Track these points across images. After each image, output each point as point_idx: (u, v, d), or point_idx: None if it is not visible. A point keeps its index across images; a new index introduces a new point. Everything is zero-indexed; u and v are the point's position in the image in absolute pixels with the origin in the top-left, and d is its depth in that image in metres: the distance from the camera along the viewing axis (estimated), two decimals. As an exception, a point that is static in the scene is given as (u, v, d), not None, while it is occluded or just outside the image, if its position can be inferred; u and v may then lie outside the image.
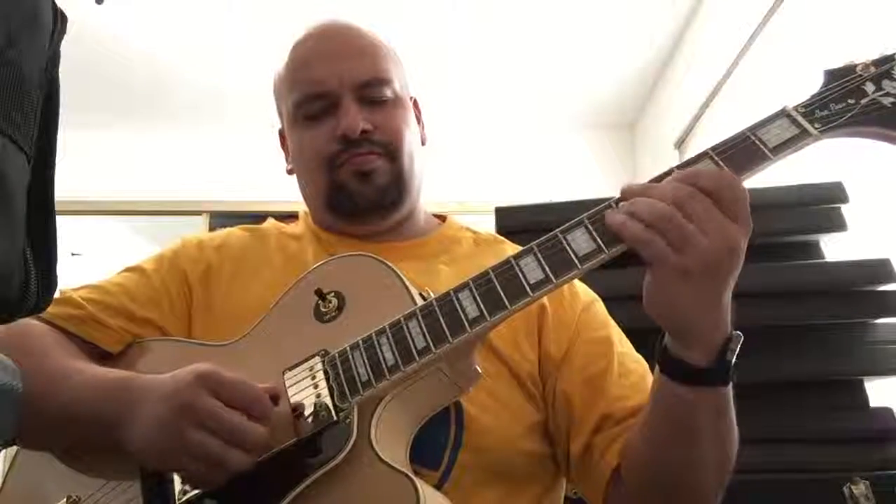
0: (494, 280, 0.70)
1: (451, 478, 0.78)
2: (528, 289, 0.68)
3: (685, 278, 0.64)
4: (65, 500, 0.80)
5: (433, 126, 1.06)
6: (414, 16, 3.03)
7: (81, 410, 0.76)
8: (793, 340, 1.36)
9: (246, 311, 0.86)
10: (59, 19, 0.45)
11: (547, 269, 0.68)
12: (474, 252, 0.98)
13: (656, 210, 0.64)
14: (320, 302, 0.80)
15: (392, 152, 0.94)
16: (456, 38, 3.22)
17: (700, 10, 3.03)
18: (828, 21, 2.03)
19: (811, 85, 0.72)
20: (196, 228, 3.65)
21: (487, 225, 1.26)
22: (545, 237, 0.70)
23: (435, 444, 0.78)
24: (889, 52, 0.71)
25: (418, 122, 1.03)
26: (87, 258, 4.45)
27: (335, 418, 0.70)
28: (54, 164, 0.45)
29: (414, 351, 0.70)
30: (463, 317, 0.70)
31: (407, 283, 0.77)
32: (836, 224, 1.42)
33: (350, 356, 0.74)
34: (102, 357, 0.87)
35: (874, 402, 1.33)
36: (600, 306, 0.94)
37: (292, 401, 0.73)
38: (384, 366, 0.71)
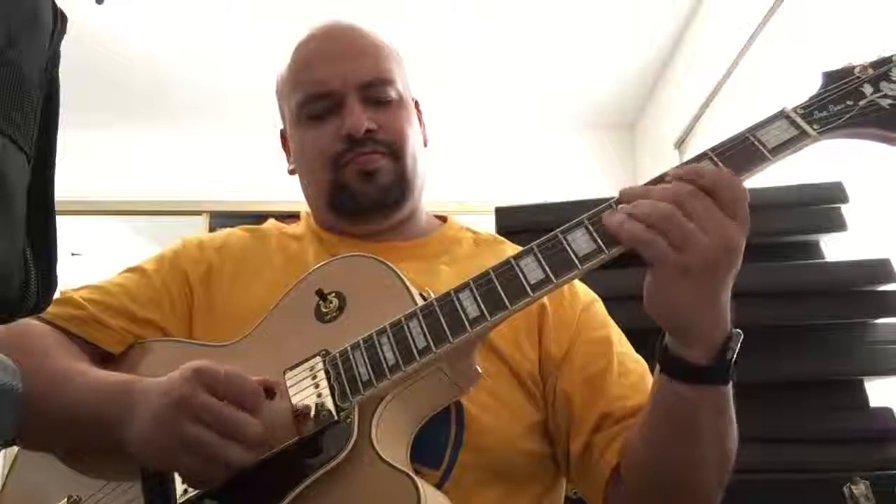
0: (495, 280, 0.70)
1: (452, 477, 0.78)
2: (528, 289, 0.68)
3: (685, 277, 0.64)
4: (66, 500, 0.80)
5: (433, 126, 1.07)
6: (414, 16, 3.03)
7: (83, 412, 0.76)
8: (793, 340, 1.36)
9: (247, 311, 0.86)
10: (59, 19, 0.45)
11: (547, 269, 0.68)
12: (475, 252, 0.98)
13: (657, 209, 0.64)
14: (321, 302, 0.80)
15: (396, 152, 0.94)
16: (456, 39, 3.23)
17: (700, 10, 3.03)
18: (828, 21, 2.03)
19: (811, 85, 0.72)
20: (196, 228, 3.65)
21: (487, 225, 1.26)
22: (545, 237, 0.70)
23: (436, 444, 0.78)
24: (887, 55, 0.71)
25: (420, 124, 1.03)
26: (87, 258, 4.45)
27: (336, 418, 0.71)
28: (54, 164, 0.45)
29: (415, 351, 0.71)
30: (463, 317, 0.70)
31: (407, 283, 0.77)
32: (836, 224, 1.42)
33: (351, 356, 0.74)
34: (103, 358, 0.87)
35: (874, 402, 1.33)
36: (600, 306, 0.94)
37: (293, 400, 0.73)
38: (385, 365, 0.71)
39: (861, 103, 0.68)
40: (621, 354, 0.88)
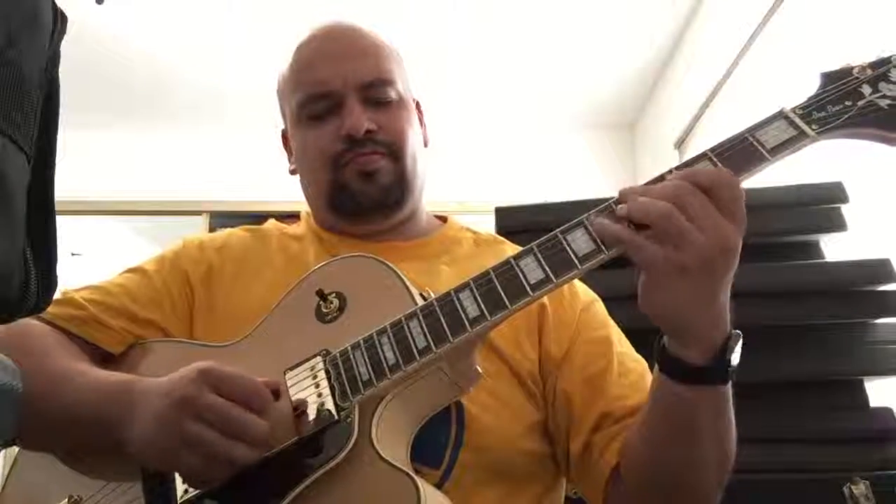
0: (495, 280, 0.70)
1: (452, 476, 0.78)
2: (528, 289, 0.68)
3: (682, 276, 0.64)
4: (66, 500, 0.80)
5: (433, 126, 1.07)
6: (414, 16, 3.03)
7: (83, 412, 0.76)
8: (792, 340, 1.36)
9: (248, 311, 0.87)
10: (59, 19, 0.45)
11: (547, 269, 0.68)
12: (475, 252, 0.98)
13: (655, 208, 0.64)
14: (322, 302, 0.80)
15: (395, 152, 0.94)
16: (456, 39, 3.23)
17: (700, 10, 3.03)
18: (827, 21, 2.03)
19: (810, 85, 0.72)
20: (196, 228, 3.66)
21: (487, 225, 1.26)
22: (545, 237, 0.70)
23: (436, 443, 0.79)
24: (886, 55, 0.71)
25: (421, 124, 1.03)
26: (87, 258, 4.45)
27: (336, 417, 0.71)
28: (54, 164, 0.45)
29: (415, 350, 0.71)
30: (464, 316, 0.70)
31: (408, 283, 0.78)
32: (836, 224, 1.42)
33: (351, 356, 0.74)
34: (104, 358, 0.87)
35: (874, 402, 1.33)
36: (600, 306, 0.94)
37: (294, 400, 0.73)
38: (385, 365, 0.71)
39: (860, 104, 0.69)
40: (621, 354, 0.88)
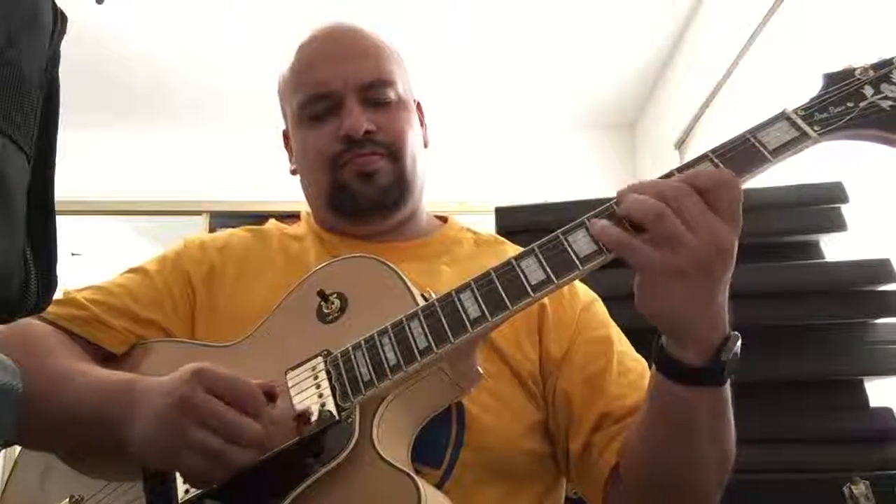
0: (496, 280, 0.70)
1: (453, 476, 0.78)
2: (529, 289, 0.68)
3: (677, 278, 0.64)
4: (67, 500, 0.80)
5: (433, 126, 1.07)
6: (414, 17, 3.03)
7: (84, 412, 0.76)
8: (792, 340, 1.36)
9: (249, 312, 0.87)
10: (59, 19, 0.45)
11: (548, 269, 0.68)
12: (475, 253, 0.98)
13: (648, 207, 0.64)
14: (323, 303, 0.80)
15: (395, 153, 0.94)
16: (456, 39, 3.23)
17: (700, 10, 3.03)
18: (828, 21, 2.03)
19: (811, 85, 0.72)
20: (196, 228, 3.65)
21: (487, 225, 1.26)
22: (546, 238, 0.70)
23: (436, 443, 0.79)
24: (888, 57, 0.71)
25: (421, 125, 1.03)
26: (87, 258, 4.45)
27: (337, 418, 0.71)
28: (54, 164, 0.45)
29: (416, 351, 0.71)
30: (464, 317, 0.70)
31: (409, 283, 0.78)
32: (836, 224, 1.42)
33: (352, 356, 0.74)
34: (106, 358, 0.87)
35: (874, 402, 1.33)
36: (600, 306, 0.94)
37: (294, 400, 0.73)
38: (386, 366, 0.71)
39: (861, 105, 0.69)
40: (621, 354, 0.88)
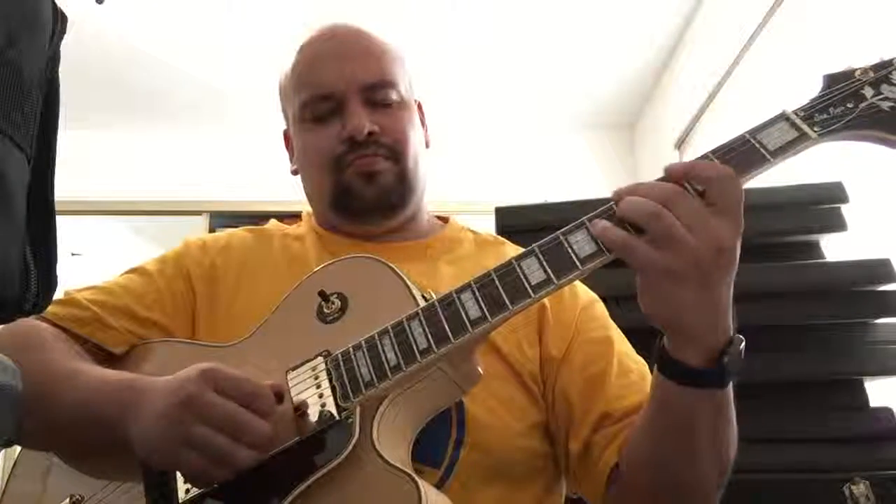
0: (496, 281, 0.70)
1: (453, 476, 0.78)
2: (529, 290, 0.68)
3: (678, 279, 0.63)
4: (68, 499, 0.80)
5: (433, 126, 1.07)
6: (414, 16, 3.03)
7: (84, 412, 0.76)
8: (792, 340, 1.36)
9: (250, 312, 0.87)
10: (59, 19, 0.45)
11: (548, 270, 0.68)
12: (475, 253, 0.99)
13: (644, 208, 0.64)
14: (323, 303, 0.80)
15: (397, 154, 0.94)
16: (456, 39, 3.22)
17: (700, 10, 3.03)
18: (828, 21, 2.03)
19: (811, 85, 0.72)
20: (196, 228, 3.65)
21: (487, 225, 1.26)
22: (546, 239, 0.70)
23: (437, 443, 0.79)
24: (888, 58, 0.71)
25: (422, 125, 1.03)
26: (87, 258, 4.45)
27: (338, 418, 0.71)
28: (54, 164, 0.45)
29: (416, 351, 0.71)
30: (465, 317, 0.70)
31: (409, 284, 0.78)
32: (836, 224, 1.42)
33: (353, 356, 0.74)
34: (106, 358, 0.87)
35: (874, 402, 1.33)
36: (600, 306, 0.94)
37: (295, 400, 0.73)
38: (387, 366, 0.71)
39: (861, 106, 0.69)
40: (621, 354, 0.88)
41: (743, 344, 0.67)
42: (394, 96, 0.96)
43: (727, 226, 0.64)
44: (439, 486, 0.76)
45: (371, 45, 0.98)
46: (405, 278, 0.78)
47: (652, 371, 0.74)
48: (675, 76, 3.37)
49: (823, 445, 1.27)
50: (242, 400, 0.69)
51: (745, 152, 0.68)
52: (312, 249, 0.97)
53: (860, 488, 1.17)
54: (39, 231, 0.43)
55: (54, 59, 0.45)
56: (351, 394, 0.72)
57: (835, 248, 1.46)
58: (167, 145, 3.80)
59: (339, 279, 0.82)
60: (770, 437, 1.26)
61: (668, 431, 0.73)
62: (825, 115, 0.69)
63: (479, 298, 0.70)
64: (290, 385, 0.75)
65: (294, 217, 1.07)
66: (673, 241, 0.63)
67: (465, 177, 3.51)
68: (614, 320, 0.93)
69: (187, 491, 0.72)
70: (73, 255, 4.48)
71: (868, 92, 0.69)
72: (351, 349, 0.74)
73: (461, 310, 0.70)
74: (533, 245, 0.70)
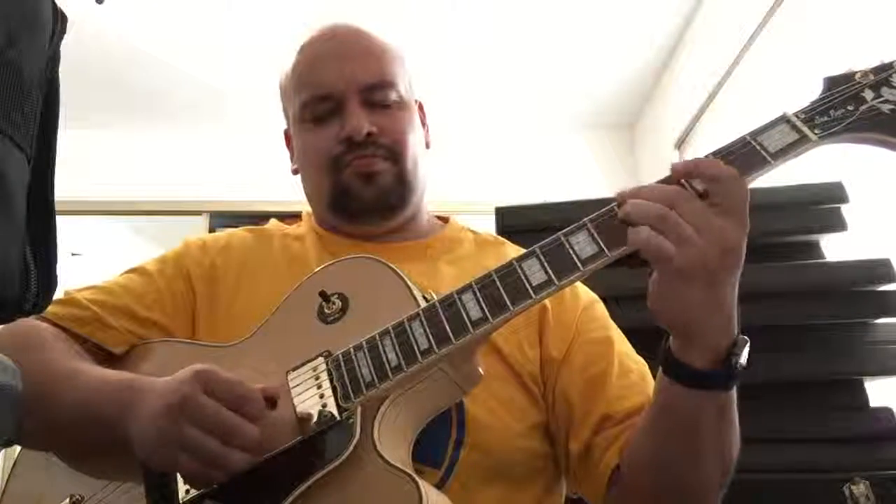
0: (497, 282, 0.70)
1: (453, 476, 0.78)
2: (530, 291, 0.68)
3: (683, 280, 0.63)
4: (67, 499, 0.80)
5: (433, 126, 1.07)
6: (414, 16, 3.03)
7: (84, 411, 0.76)
8: (792, 340, 1.36)
9: (250, 312, 0.87)
10: (59, 19, 0.45)
11: (549, 271, 0.68)
12: (476, 253, 0.99)
13: (651, 210, 0.64)
14: (324, 303, 0.80)
15: (396, 155, 0.94)
16: (456, 38, 3.22)
17: (700, 10, 3.03)
18: (828, 21, 2.03)
19: (811, 85, 0.72)
20: (196, 228, 3.65)
21: (488, 225, 1.26)
22: (548, 240, 0.70)
23: (437, 443, 0.79)
24: (888, 61, 0.71)
25: (423, 126, 1.03)
26: (87, 258, 4.45)
27: (338, 418, 0.71)
28: (54, 164, 0.45)
29: (417, 352, 0.71)
30: (466, 318, 0.70)
31: (410, 284, 0.77)
32: (836, 224, 1.42)
33: (353, 357, 0.74)
34: (106, 358, 0.87)
35: (874, 402, 1.33)
36: (601, 307, 0.94)
37: (295, 401, 0.73)
38: (387, 367, 0.71)
39: (862, 108, 0.69)
40: (622, 355, 0.88)
41: (747, 347, 0.67)
42: (393, 97, 0.96)
43: (733, 226, 0.64)
44: (439, 486, 0.76)
45: (371, 46, 0.98)
46: (406, 279, 0.78)
47: (654, 372, 0.74)
48: (675, 76, 3.37)
49: (823, 445, 1.27)
50: (232, 403, 0.68)
51: (745, 154, 0.68)
52: (312, 250, 0.97)
53: (860, 488, 1.17)
54: (39, 231, 0.43)
55: (54, 59, 0.45)
56: (352, 394, 0.72)
57: (835, 248, 1.46)
58: (167, 145, 3.79)
59: (339, 279, 0.82)
60: (770, 437, 1.26)
61: (671, 433, 0.73)
62: (826, 118, 0.69)
63: (481, 299, 0.70)
64: (291, 385, 0.75)
65: (294, 217, 1.07)
66: (681, 241, 0.63)
67: (465, 177, 3.51)
68: (614, 320, 0.93)
69: (187, 491, 0.72)
70: (73, 255, 4.48)
71: (868, 94, 0.69)
72: (352, 349, 0.74)
73: (462, 310, 0.70)
74: (534, 246, 0.70)
